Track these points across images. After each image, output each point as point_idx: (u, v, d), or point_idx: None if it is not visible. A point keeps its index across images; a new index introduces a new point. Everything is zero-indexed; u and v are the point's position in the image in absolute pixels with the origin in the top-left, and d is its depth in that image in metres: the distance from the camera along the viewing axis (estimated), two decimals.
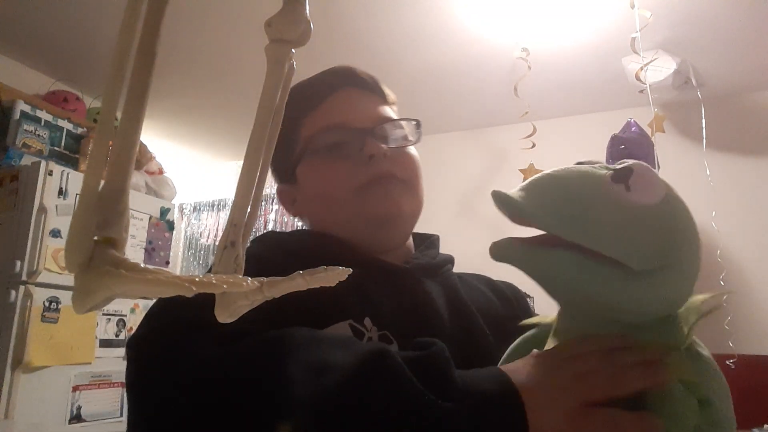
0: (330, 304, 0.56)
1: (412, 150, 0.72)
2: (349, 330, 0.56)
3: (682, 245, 0.45)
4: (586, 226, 0.44)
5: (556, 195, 0.46)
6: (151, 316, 0.56)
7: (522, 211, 0.46)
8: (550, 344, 0.51)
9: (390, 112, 0.74)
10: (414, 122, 0.72)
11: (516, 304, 0.78)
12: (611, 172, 0.46)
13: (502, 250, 0.48)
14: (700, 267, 0.47)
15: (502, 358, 0.58)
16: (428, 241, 0.77)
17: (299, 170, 0.72)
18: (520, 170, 2.48)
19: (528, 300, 0.83)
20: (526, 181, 0.49)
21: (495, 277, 0.81)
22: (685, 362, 0.45)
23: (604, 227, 0.44)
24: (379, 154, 0.66)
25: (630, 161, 0.47)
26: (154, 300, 0.55)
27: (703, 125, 2.46)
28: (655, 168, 2.41)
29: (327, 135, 0.68)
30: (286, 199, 0.77)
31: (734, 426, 0.46)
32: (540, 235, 0.47)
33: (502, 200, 0.47)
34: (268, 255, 0.65)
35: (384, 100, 0.75)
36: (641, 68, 2.00)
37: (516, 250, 0.47)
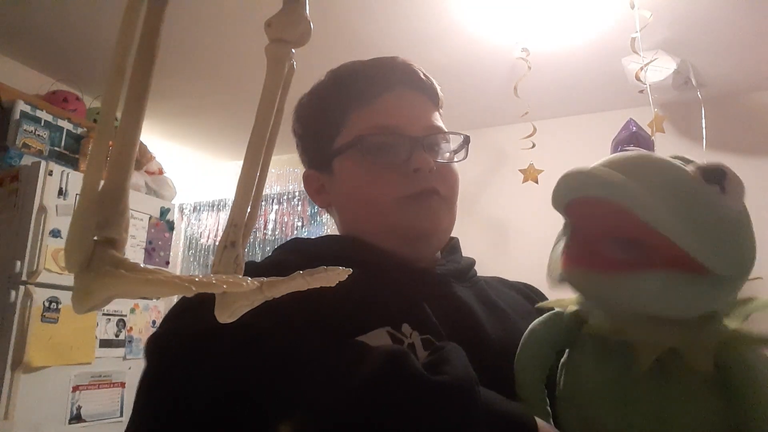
0: (367, 311, 0.56)
1: (455, 165, 0.71)
2: (387, 337, 0.54)
3: (754, 252, 0.43)
4: (691, 227, 0.39)
5: (661, 183, 0.41)
6: (170, 316, 0.56)
7: (629, 198, 0.39)
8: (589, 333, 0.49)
9: (439, 118, 0.73)
10: (463, 137, 0.71)
11: (537, 300, 0.78)
12: (699, 170, 0.42)
13: (569, 277, 0.44)
14: None
15: (521, 341, 0.57)
16: (449, 246, 0.76)
17: (338, 163, 0.70)
18: (520, 170, 2.48)
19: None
20: (608, 160, 0.43)
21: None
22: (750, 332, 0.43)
23: (704, 231, 0.40)
24: (425, 169, 0.65)
25: (706, 162, 0.43)
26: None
27: (703, 125, 2.46)
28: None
29: (377, 136, 0.67)
30: (312, 185, 0.75)
31: None
32: (604, 258, 0.43)
33: (595, 178, 0.40)
34: (293, 261, 0.63)
35: (436, 105, 0.74)
36: (641, 68, 2.00)
37: (585, 277, 0.43)
